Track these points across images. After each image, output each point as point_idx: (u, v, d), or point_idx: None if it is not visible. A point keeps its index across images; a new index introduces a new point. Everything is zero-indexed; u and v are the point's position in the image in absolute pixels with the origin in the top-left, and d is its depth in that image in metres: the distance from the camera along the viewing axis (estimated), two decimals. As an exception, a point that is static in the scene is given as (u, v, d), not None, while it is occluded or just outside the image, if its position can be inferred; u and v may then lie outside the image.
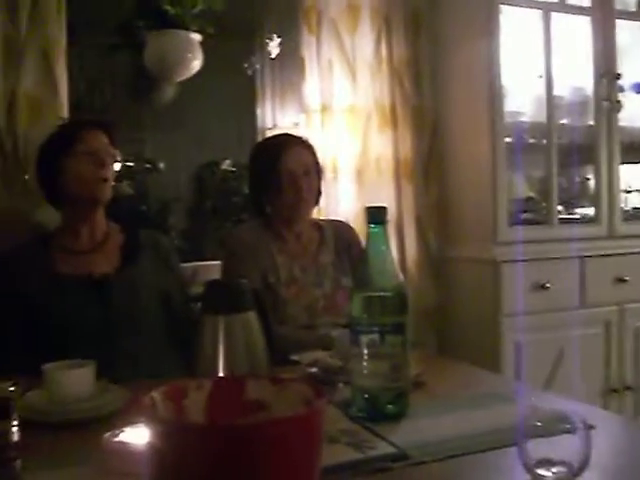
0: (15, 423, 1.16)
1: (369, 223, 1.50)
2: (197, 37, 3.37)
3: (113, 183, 2.35)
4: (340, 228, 2.66)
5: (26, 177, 2.68)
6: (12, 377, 1.64)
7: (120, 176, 2.46)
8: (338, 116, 3.16)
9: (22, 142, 2.68)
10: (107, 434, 1.28)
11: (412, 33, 3.34)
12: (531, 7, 3.25)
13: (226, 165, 3.68)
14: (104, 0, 3.65)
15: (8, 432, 1.14)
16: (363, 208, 3.00)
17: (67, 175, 2.27)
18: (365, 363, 1.45)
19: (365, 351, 1.45)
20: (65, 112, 2.79)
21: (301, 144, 2.56)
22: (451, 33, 3.37)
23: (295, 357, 1.86)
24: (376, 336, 1.44)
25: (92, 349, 1.94)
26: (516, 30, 3.24)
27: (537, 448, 1.08)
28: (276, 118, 3.79)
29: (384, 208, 1.52)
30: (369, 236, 1.50)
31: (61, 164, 2.28)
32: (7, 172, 2.68)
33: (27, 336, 2.16)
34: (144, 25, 3.47)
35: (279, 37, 3.78)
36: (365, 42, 3.25)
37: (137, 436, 1.23)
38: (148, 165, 3.63)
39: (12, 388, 1.21)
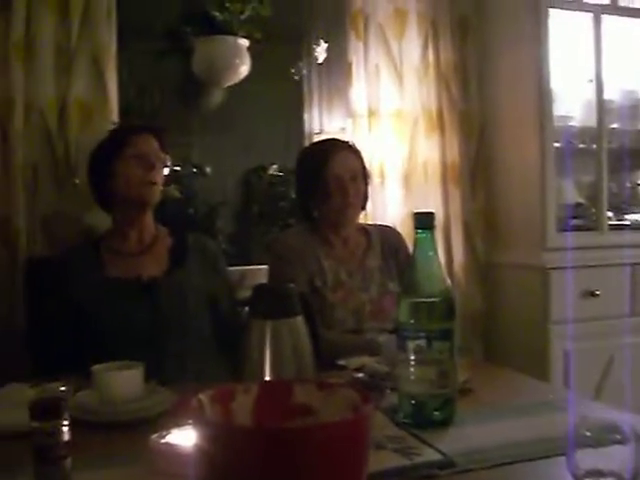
0: (66, 423, 1.17)
1: (417, 228, 1.49)
2: (245, 43, 3.39)
3: (162, 187, 2.38)
4: (387, 233, 2.66)
5: (77, 182, 2.73)
6: (62, 377, 1.68)
7: (168, 180, 2.47)
8: (385, 121, 3.16)
9: (73, 147, 2.73)
10: (154, 435, 1.30)
11: (459, 37, 3.32)
12: (581, 10, 3.21)
13: (273, 170, 3.69)
14: (152, 6, 3.70)
15: (59, 431, 1.16)
16: (410, 213, 3.05)
17: (117, 178, 2.31)
18: (412, 369, 1.45)
19: (412, 357, 1.44)
20: (115, 117, 2.83)
21: (348, 149, 2.56)
22: (499, 37, 3.35)
23: (342, 362, 1.86)
24: (423, 342, 1.43)
25: (140, 351, 1.97)
26: (565, 33, 3.20)
27: (586, 458, 1.07)
28: (323, 123, 3.79)
29: (432, 213, 1.51)
30: (417, 241, 1.49)
31: (111, 167, 2.31)
32: (58, 177, 2.74)
33: (76, 337, 2.20)
34: (192, 31, 3.50)
35: (326, 42, 3.78)
36: (412, 47, 3.24)
37: (184, 438, 1.25)
38: (195, 169, 3.65)
39: (63, 388, 1.22)
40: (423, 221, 1.49)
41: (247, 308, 2.41)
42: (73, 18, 2.77)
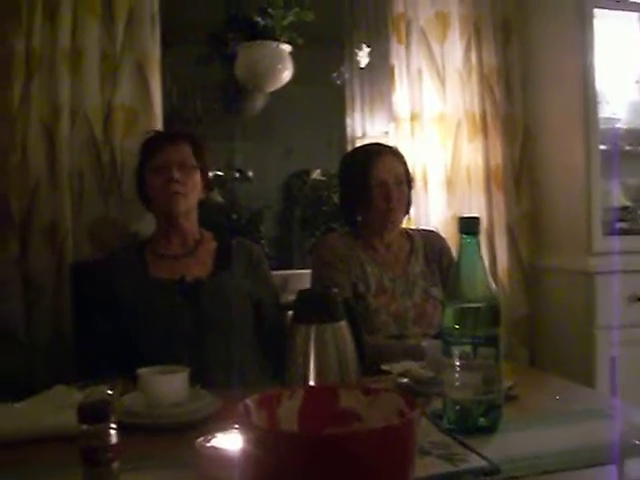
0: (113, 426, 1.19)
1: (462, 233, 1.48)
2: (287, 48, 3.40)
3: (200, 194, 2.39)
4: (430, 238, 2.64)
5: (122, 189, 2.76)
6: (108, 380, 1.70)
7: (211, 185, 2.49)
8: (428, 125, 3.15)
9: (118, 153, 2.76)
10: (200, 439, 1.30)
11: (502, 40, 3.29)
12: (627, 9, 3.16)
13: (316, 174, 3.71)
14: (195, 12, 3.73)
15: (107, 434, 1.17)
16: (453, 217, 3.03)
17: (147, 188, 2.37)
18: (457, 375, 1.44)
19: (457, 363, 1.43)
20: (159, 123, 2.86)
21: (391, 153, 2.55)
22: (542, 38, 3.31)
23: (386, 367, 1.86)
24: (468, 348, 1.42)
25: (183, 353, 1.99)
26: (611, 33, 3.16)
27: (635, 467, 1.05)
28: (365, 127, 3.80)
29: (477, 218, 1.50)
30: (462, 247, 1.48)
31: (144, 177, 2.37)
32: (104, 182, 2.77)
33: (121, 339, 2.22)
34: (235, 36, 3.53)
35: (368, 47, 3.79)
36: (454, 50, 3.22)
37: (229, 442, 1.25)
38: (238, 174, 3.68)
39: (110, 391, 1.24)
40: (468, 226, 1.49)
41: (290, 312, 2.43)
42: (118, 25, 2.80)
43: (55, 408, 1.53)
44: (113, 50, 2.80)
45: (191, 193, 2.35)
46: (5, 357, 2.16)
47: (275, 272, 2.71)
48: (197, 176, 2.37)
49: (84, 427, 1.17)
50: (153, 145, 2.40)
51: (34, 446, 1.43)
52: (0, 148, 2.70)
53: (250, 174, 3.72)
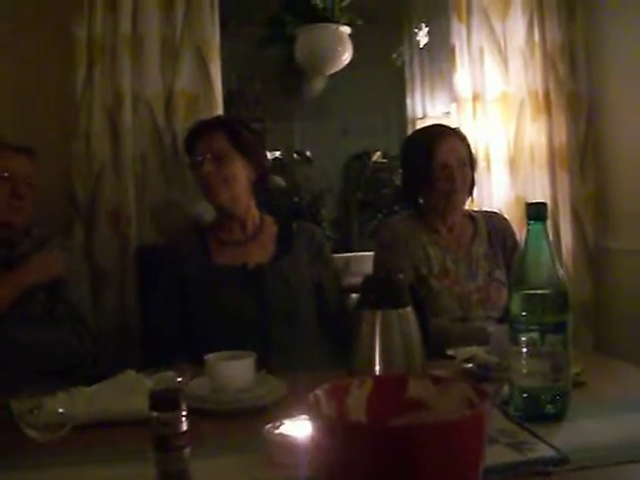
0: (184, 413, 1.20)
1: (529, 219, 1.46)
2: (346, 30, 3.38)
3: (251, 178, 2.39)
4: (494, 220, 2.61)
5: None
6: (176, 366, 1.73)
7: (273, 169, 2.49)
8: (490, 104, 3.09)
9: (180, 138, 2.78)
10: (268, 426, 1.32)
11: (566, 16, 3.20)
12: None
13: (377, 156, 3.68)
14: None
15: (178, 421, 1.19)
16: (517, 198, 2.98)
17: None
18: (524, 362, 1.42)
19: (524, 350, 1.42)
20: (220, 107, 2.87)
21: (454, 135, 2.52)
22: (609, 13, 3.22)
23: (451, 352, 1.85)
24: (536, 335, 1.40)
25: (247, 338, 2.01)
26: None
27: None
28: (426, 108, 3.76)
29: (544, 204, 1.47)
30: (529, 233, 1.46)
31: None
32: (166, 167, 2.80)
33: (184, 323, 2.25)
34: (293, 19, 3.53)
35: (428, 26, 3.75)
36: (517, 28, 3.15)
37: (297, 429, 1.26)
38: (299, 157, 3.69)
39: (180, 378, 1.26)
40: (535, 212, 1.46)
41: (352, 295, 2.44)
42: (177, 11, 2.82)
43: (125, 393, 1.56)
44: (173, 36, 2.82)
45: (233, 181, 2.33)
46: (77, 342, 2.20)
47: (336, 255, 2.72)
48: (237, 163, 2.35)
49: (155, 414, 1.19)
50: (188, 142, 2.43)
51: (106, 429, 1.47)
52: (64, 135, 2.76)
53: (308, 154, 3.72)
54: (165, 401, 1.19)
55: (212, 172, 2.31)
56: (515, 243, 2.57)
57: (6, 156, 2.27)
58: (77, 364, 2.20)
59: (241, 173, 2.35)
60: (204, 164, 2.32)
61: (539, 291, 1.42)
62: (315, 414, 0.98)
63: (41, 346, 2.13)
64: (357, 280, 2.50)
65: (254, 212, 2.41)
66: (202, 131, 2.39)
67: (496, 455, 1.22)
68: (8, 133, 2.69)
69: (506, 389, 1.49)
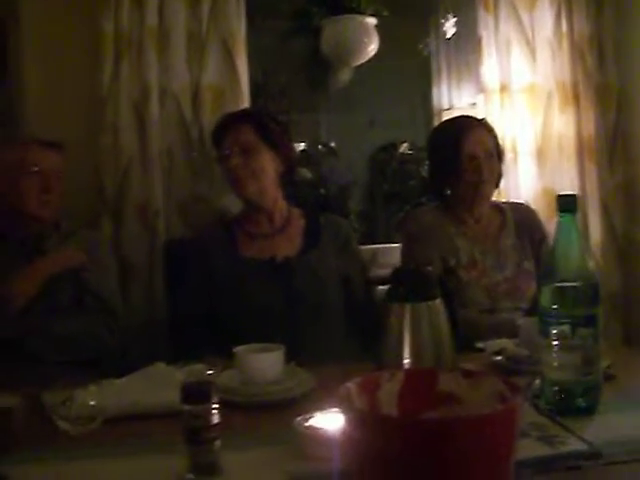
0: (215, 406, 1.21)
1: (559, 211, 1.45)
2: (372, 21, 3.37)
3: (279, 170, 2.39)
4: (521, 211, 2.60)
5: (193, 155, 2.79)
6: (205, 359, 1.73)
7: (299, 161, 2.48)
8: (517, 95, 3.07)
9: (207, 131, 2.78)
10: (298, 418, 1.32)
11: (594, 7, 3.17)
12: None
13: (403, 148, 3.67)
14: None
15: (209, 414, 1.20)
16: (544, 190, 2.96)
17: None
18: (555, 355, 1.41)
19: (555, 343, 1.41)
20: (246, 100, 2.88)
21: (482, 126, 2.51)
22: (638, 4, 3.18)
23: (480, 345, 1.84)
24: (567, 328, 1.39)
25: (274, 330, 2.01)
26: None
27: None
28: (452, 99, 3.74)
29: (574, 196, 1.46)
30: (559, 225, 1.45)
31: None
32: (193, 161, 2.81)
33: (212, 316, 2.26)
34: (319, 11, 3.51)
35: (454, 17, 3.72)
36: (544, 18, 3.12)
37: (327, 422, 1.27)
38: (325, 148, 3.68)
39: (211, 371, 1.26)
40: (566, 204, 1.45)
41: (379, 287, 2.44)
42: (203, 4, 2.82)
43: (156, 385, 1.57)
44: (199, 29, 2.83)
45: (261, 174, 2.33)
46: (106, 333, 2.22)
47: (363, 246, 2.72)
48: (264, 155, 2.35)
49: (187, 407, 1.19)
50: (216, 135, 2.43)
51: (136, 422, 1.48)
52: (92, 129, 2.77)
53: (332, 145, 3.71)
54: (196, 394, 1.20)
55: (240, 165, 2.31)
56: (543, 234, 2.55)
57: (36, 151, 2.29)
58: (106, 355, 2.22)
59: (269, 165, 2.35)
60: (232, 157, 2.32)
61: (570, 284, 1.41)
62: (347, 407, 0.98)
63: (71, 337, 2.15)
64: (384, 272, 2.53)
65: (282, 205, 2.42)
66: (229, 124, 2.39)
67: (528, 449, 1.21)
68: (37, 127, 2.73)
69: (537, 382, 1.48)
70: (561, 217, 1.45)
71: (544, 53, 3.10)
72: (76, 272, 2.25)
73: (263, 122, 2.38)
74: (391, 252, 2.90)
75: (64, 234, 2.34)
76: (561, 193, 1.49)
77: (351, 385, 1.02)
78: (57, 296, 2.21)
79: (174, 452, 1.22)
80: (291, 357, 1.72)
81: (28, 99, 2.86)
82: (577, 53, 3.11)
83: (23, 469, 1.24)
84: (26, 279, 2.16)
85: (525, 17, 3.10)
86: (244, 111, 2.59)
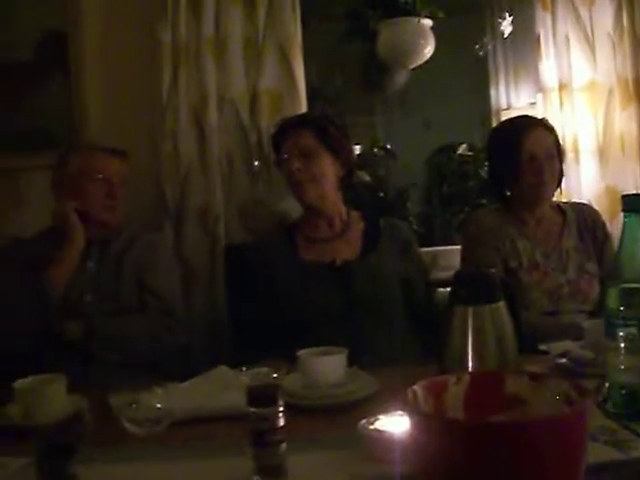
0: (281, 409, 1.22)
1: (624, 211, 1.42)
2: (428, 22, 3.36)
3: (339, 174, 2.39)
4: (583, 211, 2.56)
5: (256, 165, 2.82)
6: (269, 362, 1.75)
7: (353, 163, 2.48)
8: (577, 94, 3.01)
9: (265, 136, 2.81)
10: (363, 421, 1.32)
11: (656, -1, 3.11)
12: None
13: (462, 149, 3.65)
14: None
15: (275, 417, 1.21)
16: (607, 189, 2.90)
17: None
18: (622, 358, 1.39)
19: (622, 345, 1.38)
20: (304, 105, 2.89)
21: (542, 126, 2.48)
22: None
23: (544, 347, 1.82)
24: (634, 330, 1.36)
25: (335, 334, 2.02)
26: None
27: None
28: (510, 99, 3.71)
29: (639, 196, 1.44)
30: (624, 225, 1.42)
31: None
32: (252, 166, 2.83)
33: (274, 320, 2.27)
34: (374, 14, 3.51)
35: (511, 15, 3.68)
36: (604, 14, 3.06)
37: (392, 424, 1.26)
38: (383, 151, 3.68)
39: (275, 374, 1.27)
40: (631, 203, 1.42)
41: (440, 289, 2.43)
42: (259, 10, 2.85)
43: (220, 388, 1.59)
44: (256, 36, 2.86)
45: (320, 178, 2.34)
46: (167, 334, 2.25)
47: (423, 249, 2.70)
48: (324, 159, 2.35)
49: (253, 410, 1.21)
50: (276, 140, 2.44)
51: (202, 424, 1.50)
52: (153, 137, 2.82)
53: (388, 146, 3.71)
54: (263, 397, 1.21)
55: (300, 169, 2.32)
56: (606, 235, 2.51)
57: (101, 158, 2.36)
58: (167, 357, 2.25)
59: (329, 170, 2.36)
60: (292, 162, 2.33)
61: (637, 285, 1.39)
62: (413, 410, 0.98)
63: (131, 338, 2.20)
64: (444, 274, 2.52)
65: (341, 208, 2.42)
66: (289, 128, 2.40)
67: (597, 453, 1.19)
68: (99, 136, 2.79)
69: (606, 385, 1.46)
70: (626, 217, 1.42)
71: (604, 49, 3.04)
72: (138, 274, 2.30)
73: (323, 126, 2.38)
74: (451, 254, 2.89)
75: (128, 238, 2.38)
76: (625, 193, 1.46)
77: (417, 388, 1.02)
78: (120, 297, 2.27)
79: (239, 454, 1.24)
80: (353, 360, 1.72)
81: (90, 108, 2.93)
82: (639, 48, 3.04)
83: (91, 469, 1.26)
84: (58, 264, 2.21)
85: (584, 13, 3.04)
86: (304, 115, 2.61)
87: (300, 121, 2.44)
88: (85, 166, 2.34)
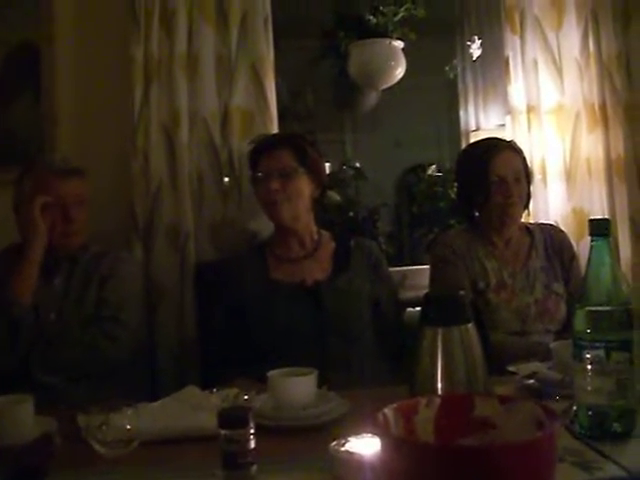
0: (252, 431, 1.22)
1: (592, 235, 1.45)
2: (399, 44, 3.39)
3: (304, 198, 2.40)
4: (550, 232, 2.59)
5: (226, 182, 2.81)
6: (237, 382, 1.75)
7: (325, 183, 2.49)
8: (545, 116, 3.05)
9: (236, 155, 2.81)
10: (333, 443, 1.32)
11: (621, 25, 3.14)
12: None
13: (431, 170, 3.68)
14: (304, 11, 3.76)
15: (246, 439, 1.21)
16: (574, 211, 2.94)
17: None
18: (589, 379, 1.41)
19: (589, 367, 1.40)
20: (275, 124, 2.89)
21: (510, 148, 2.51)
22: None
23: (512, 368, 1.84)
24: (601, 352, 1.39)
25: (304, 354, 2.01)
26: None
27: None
28: (479, 120, 3.75)
29: (607, 220, 1.47)
30: (592, 249, 1.45)
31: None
32: (223, 184, 2.82)
33: (242, 339, 2.27)
34: (346, 35, 3.54)
35: (480, 39, 3.74)
36: (571, 38, 3.11)
37: (363, 446, 1.26)
38: (350, 169, 3.70)
39: (246, 396, 1.27)
40: (598, 228, 1.45)
41: (409, 309, 2.44)
42: (232, 29, 2.85)
43: (191, 409, 1.58)
44: (228, 54, 2.85)
45: (296, 198, 2.34)
46: (106, 343, 2.22)
47: (392, 268, 2.72)
48: (302, 180, 2.36)
49: (224, 432, 1.21)
50: (253, 157, 2.44)
51: (172, 445, 1.49)
52: (123, 153, 2.81)
53: (357, 164, 3.73)
54: (234, 419, 1.21)
55: (278, 190, 2.32)
56: (573, 256, 2.55)
57: (54, 181, 2.29)
58: (111, 368, 2.22)
59: (305, 190, 2.37)
60: (270, 181, 2.33)
61: (604, 308, 1.41)
62: (384, 433, 0.99)
63: (67, 355, 2.18)
64: (412, 294, 2.53)
65: (313, 228, 2.43)
66: (268, 147, 2.40)
67: (564, 474, 1.20)
68: (68, 152, 2.77)
69: (574, 408, 1.47)
70: (593, 241, 1.45)
71: (571, 73, 3.09)
72: (100, 289, 2.28)
73: (301, 146, 2.39)
74: (419, 274, 2.91)
75: (94, 256, 2.36)
76: (593, 217, 1.49)
77: (388, 410, 1.03)
78: (79, 310, 2.25)
79: (210, 476, 1.24)
80: (322, 381, 1.72)
81: (60, 124, 2.91)
82: (605, 72, 3.09)
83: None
84: (20, 275, 2.19)
85: (551, 37, 3.09)
86: (281, 135, 2.61)
87: (280, 140, 2.44)
88: (37, 190, 2.25)
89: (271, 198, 2.33)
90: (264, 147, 2.42)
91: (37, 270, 2.23)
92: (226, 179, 2.81)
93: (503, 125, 3.40)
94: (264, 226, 2.59)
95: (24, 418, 1.55)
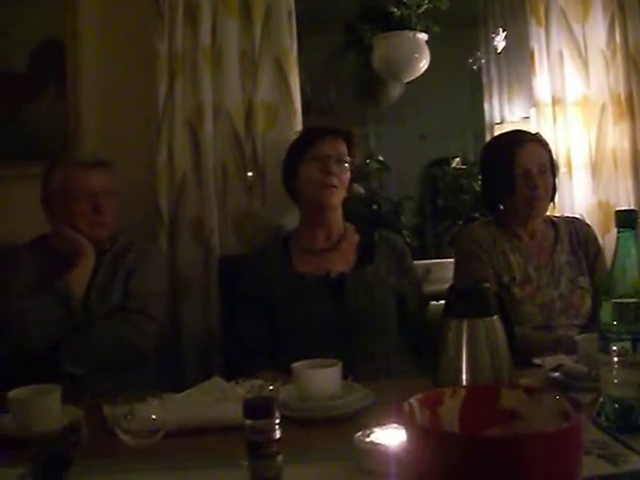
0: (277, 421, 1.22)
1: (618, 227, 1.44)
2: (423, 37, 3.37)
3: (346, 191, 2.42)
4: (576, 225, 2.57)
5: (249, 176, 2.83)
6: (261, 374, 1.75)
7: (353, 177, 2.49)
8: (570, 108, 3.03)
9: (260, 148, 2.82)
10: (358, 434, 1.32)
11: (649, 15, 3.13)
12: None
13: (456, 163, 3.67)
14: (328, 5, 3.75)
15: (271, 429, 1.21)
16: (599, 203, 2.92)
17: (299, 180, 2.39)
18: (615, 372, 1.40)
19: (615, 359, 1.39)
20: (299, 117, 2.90)
21: (535, 141, 2.49)
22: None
23: (538, 361, 1.83)
24: (628, 344, 1.38)
25: (329, 346, 2.02)
26: None
27: None
28: (504, 113, 3.73)
29: (634, 211, 1.45)
30: (618, 240, 1.44)
31: (296, 170, 2.40)
32: (247, 178, 2.83)
33: (267, 331, 2.28)
34: (370, 27, 3.53)
35: (504, 30, 3.71)
36: (597, 30, 3.08)
37: (387, 437, 1.27)
38: (375, 163, 3.70)
39: (271, 387, 1.28)
40: (625, 219, 1.43)
41: (433, 302, 2.44)
42: (255, 24, 2.86)
43: (215, 400, 1.59)
44: (252, 48, 2.87)
45: (342, 188, 2.38)
46: (133, 334, 2.24)
47: (417, 262, 2.71)
48: (348, 172, 2.40)
49: (249, 422, 1.21)
50: (314, 136, 2.43)
51: (197, 436, 1.50)
52: (148, 148, 2.83)
53: (380, 158, 3.72)
54: (259, 409, 1.22)
55: (338, 173, 2.35)
56: (598, 249, 2.52)
57: (82, 173, 2.32)
58: (137, 360, 2.24)
59: (347, 182, 2.42)
60: (330, 164, 2.34)
61: (630, 300, 1.40)
62: (409, 423, 0.99)
63: (96, 346, 2.20)
64: (437, 287, 2.53)
65: (340, 220, 2.44)
66: (329, 133, 2.42)
67: (590, 467, 1.20)
68: (94, 146, 2.80)
69: (600, 400, 1.46)
70: (620, 232, 1.44)
71: (597, 65, 3.06)
72: (127, 281, 2.30)
73: (352, 141, 2.44)
74: (443, 267, 2.90)
75: (120, 248, 2.38)
76: (619, 208, 1.48)
77: (413, 401, 1.02)
78: (104, 301, 2.27)
79: (236, 466, 1.24)
80: (347, 372, 1.73)
81: (85, 119, 2.94)
82: (631, 64, 3.06)
83: (87, 480, 1.26)
84: (77, 269, 2.24)
85: (577, 29, 3.07)
86: (337, 127, 2.62)
87: (336, 130, 2.45)
88: (67, 183, 2.29)
89: (329, 181, 2.34)
90: (324, 132, 2.42)
91: (92, 267, 2.28)
92: (250, 173, 2.82)
93: (528, 118, 3.37)
94: (288, 219, 2.59)
95: (52, 408, 1.57)
